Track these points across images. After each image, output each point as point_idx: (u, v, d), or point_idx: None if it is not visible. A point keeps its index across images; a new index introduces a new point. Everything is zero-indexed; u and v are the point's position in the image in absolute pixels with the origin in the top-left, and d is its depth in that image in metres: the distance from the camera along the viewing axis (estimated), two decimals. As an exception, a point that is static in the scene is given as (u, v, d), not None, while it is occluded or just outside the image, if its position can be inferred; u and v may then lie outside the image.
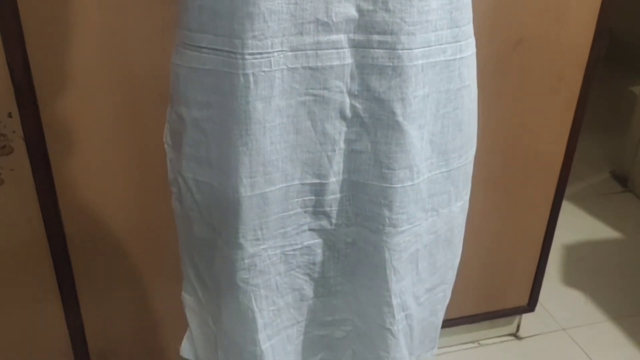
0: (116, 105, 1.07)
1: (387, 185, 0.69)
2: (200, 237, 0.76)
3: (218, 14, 0.62)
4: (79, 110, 1.06)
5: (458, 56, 0.69)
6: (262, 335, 0.77)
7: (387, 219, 0.71)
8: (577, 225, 2.06)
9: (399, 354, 0.82)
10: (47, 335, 1.23)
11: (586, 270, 1.89)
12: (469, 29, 0.70)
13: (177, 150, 0.74)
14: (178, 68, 0.69)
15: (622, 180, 2.30)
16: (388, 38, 0.63)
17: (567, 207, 2.05)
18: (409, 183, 0.70)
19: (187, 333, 0.91)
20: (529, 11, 1.20)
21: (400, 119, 0.66)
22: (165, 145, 0.78)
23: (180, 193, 0.76)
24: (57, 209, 1.10)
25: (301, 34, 0.62)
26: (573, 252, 1.94)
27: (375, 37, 0.63)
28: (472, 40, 0.72)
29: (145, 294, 1.26)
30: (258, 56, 0.62)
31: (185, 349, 0.92)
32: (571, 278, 1.84)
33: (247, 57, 0.61)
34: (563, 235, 1.90)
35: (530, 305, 1.59)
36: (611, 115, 2.74)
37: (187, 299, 0.86)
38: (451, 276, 0.86)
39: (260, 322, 0.76)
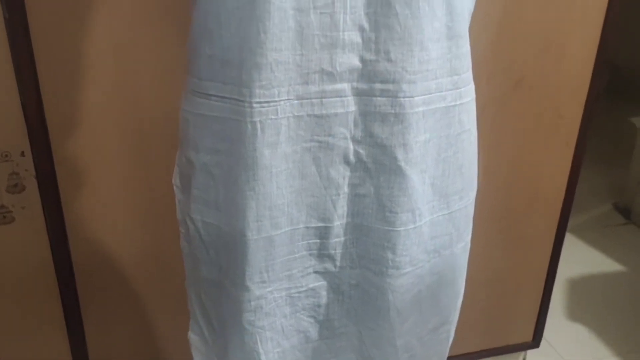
0: (126, 144, 1.10)
1: (390, 228, 0.71)
2: (207, 277, 0.77)
3: (227, 64, 0.64)
4: (90, 148, 1.09)
5: (458, 102, 0.72)
6: (267, 376, 0.77)
7: (390, 262, 0.72)
8: (580, 258, 2.06)
9: (403, 394, 0.83)
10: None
11: (590, 304, 1.88)
12: (468, 76, 0.73)
13: (186, 192, 0.76)
14: (187, 114, 0.71)
15: (625, 212, 2.31)
16: (390, 86, 0.66)
17: (570, 239, 2.06)
18: (412, 226, 0.72)
19: (193, 372, 0.91)
20: (528, 50, 1.23)
21: (402, 164, 0.68)
22: (175, 187, 0.80)
23: (188, 234, 0.78)
24: (67, 246, 1.12)
25: (307, 83, 0.64)
26: (576, 286, 1.94)
27: (378, 86, 0.66)
28: (471, 87, 0.74)
29: (151, 327, 1.26)
30: (265, 105, 0.64)
31: (191, 387, 0.92)
32: (575, 313, 1.84)
33: (254, 105, 0.64)
34: (566, 269, 1.90)
35: (535, 340, 1.58)
36: (613, 147, 2.76)
37: (194, 339, 0.87)
38: (454, 317, 0.87)
39: (265, 363, 0.77)
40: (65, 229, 1.11)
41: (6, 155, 1.07)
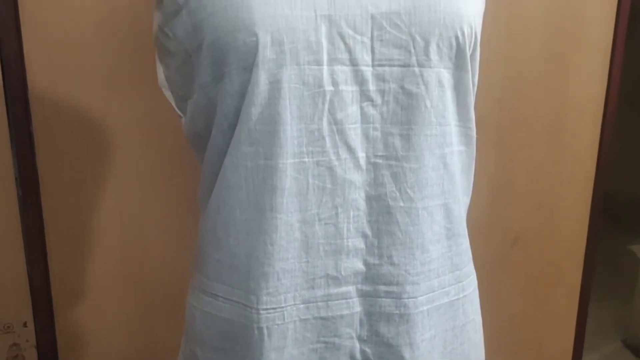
0: (128, 311, 1.10)
1: None
2: None
3: (234, 269, 0.66)
4: (93, 317, 1.09)
5: (461, 295, 0.73)
6: None
7: None
8: (594, 403, 1.98)
9: None
10: None
11: None
12: (469, 268, 0.75)
13: (189, 382, 0.75)
14: (194, 310, 0.72)
15: (634, 349, 2.25)
16: (394, 288, 0.67)
17: (582, 383, 1.98)
18: (421, 423, 0.70)
19: None
20: (523, 209, 1.27)
21: (409, 362, 0.68)
22: (177, 377, 0.79)
23: None
24: (62, 422, 1.09)
25: (312, 287, 0.66)
26: None
27: (382, 288, 0.67)
28: (473, 277, 0.76)
29: None
30: (272, 311, 0.65)
31: None
32: None
33: (261, 312, 0.65)
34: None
35: None
36: (614, 277, 2.74)
37: None
38: None
39: None
40: (63, 405, 1.08)
41: (8, 327, 1.06)
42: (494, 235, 1.24)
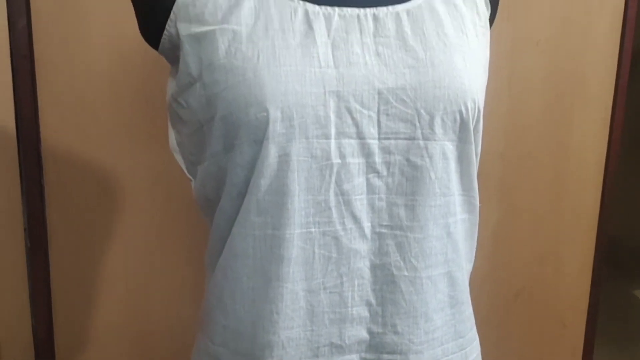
0: (131, 363, 1.10)
1: None
2: None
3: (240, 336, 0.67)
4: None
5: (464, 363, 0.73)
6: None
7: None
8: None
9: None
10: None
11: None
12: (472, 334, 0.75)
13: None
14: (200, 374, 0.72)
15: (641, 399, 2.21)
16: (397, 357, 0.68)
17: None
18: None
19: None
20: (526, 262, 1.27)
21: None
22: None
23: None
24: None
25: (317, 356, 0.66)
26: None
27: (386, 356, 0.68)
28: (476, 343, 0.76)
29: None
30: (276, 381, 0.66)
31: None
32: None
33: (266, 379, 0.65)
34: None
35: None
36: (619, 323, 2.71)
37: None
38: None
39: None
40: None
41: (11, 378, 1.06)
42: (497, 287, 1.24)
